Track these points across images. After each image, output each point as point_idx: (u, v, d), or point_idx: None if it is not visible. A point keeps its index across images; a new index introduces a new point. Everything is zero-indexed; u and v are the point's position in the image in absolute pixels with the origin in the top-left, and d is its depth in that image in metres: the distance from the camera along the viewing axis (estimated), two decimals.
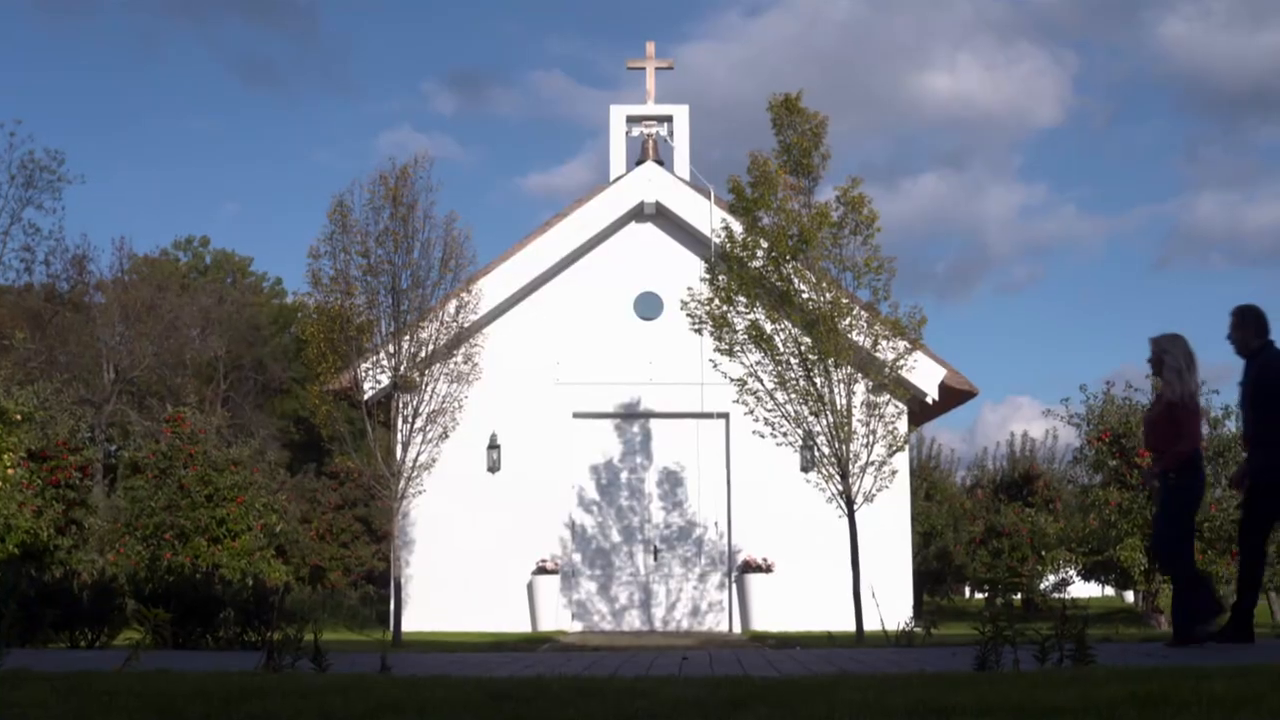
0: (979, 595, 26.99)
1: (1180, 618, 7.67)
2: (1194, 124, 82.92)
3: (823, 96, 74.23)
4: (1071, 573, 21.94)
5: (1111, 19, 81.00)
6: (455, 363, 14.82)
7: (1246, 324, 7.94)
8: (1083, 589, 26.98)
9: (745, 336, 14.10)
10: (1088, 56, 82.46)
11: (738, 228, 14.37)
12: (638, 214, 18.17)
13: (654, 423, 17.86)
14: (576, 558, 17.66)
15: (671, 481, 17.81)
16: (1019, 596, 22.64)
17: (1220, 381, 43.16)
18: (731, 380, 14.52)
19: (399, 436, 14.67)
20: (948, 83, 78.37)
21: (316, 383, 14.66)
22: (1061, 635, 5.49)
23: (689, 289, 15.22)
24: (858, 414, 14.00)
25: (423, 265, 14.61)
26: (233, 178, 73.39)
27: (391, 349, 14.59)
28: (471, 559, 17.01)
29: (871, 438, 14.02)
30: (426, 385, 14.59)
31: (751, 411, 14.33)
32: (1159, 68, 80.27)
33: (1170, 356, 7.78)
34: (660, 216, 18.17)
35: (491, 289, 17.12)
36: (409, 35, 79.85)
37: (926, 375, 16.78)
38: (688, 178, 18.42)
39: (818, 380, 13.79)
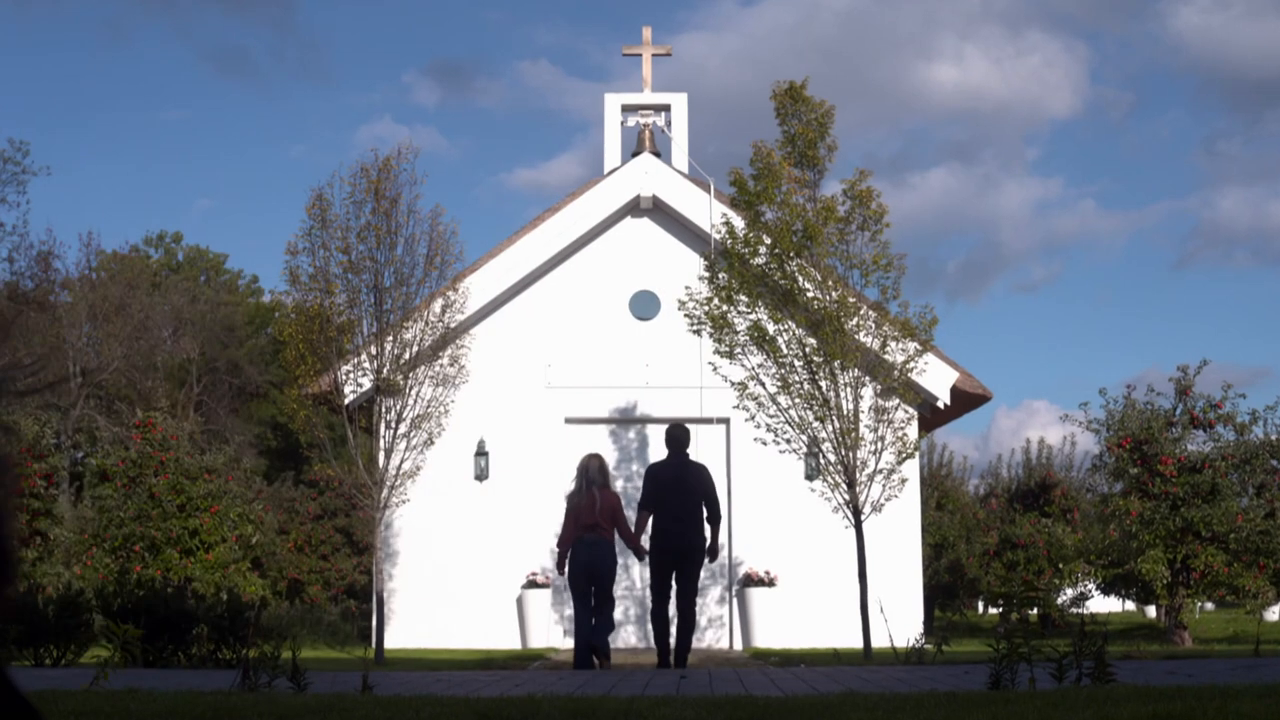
0: (993, 610, 26.97)
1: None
2: (1214, 117, 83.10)
3: (824, 88, 74.10)
4: (1090, 586, 21.93)
5: (1125, 8, 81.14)
6: (441, 365, 14.81)
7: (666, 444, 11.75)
8: (1102, 603, 26.99)
9: (746, 338, 14.10)
10: (1103, 47, 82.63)
11: (739, 223, 14.36)
12: (634, 208, 18.16)
13: (651, 428, 17.83)
14: None
15: None
16: (1035, 611, 22.63)
17: (1247, 385, 43.23)
18: (732, 384, 14.52)
19: (381, 443, 14.66)
20: (955, 74, 78.48)
21: (295, 386, 14.65)
22: (1080, 652, 5.49)
23: (687, 288, 15.22)
24: (865, 419, 14.00)
25: (406, 262, 14.60)
26: (206, 171, 73.43)
27: (374, 350, 14.59)
28: (458, 572, 17.00)
29: (880, 444, 14.02)
30: (411, 389, 14.58)
31: (753, 417, 14.33)
32: (1176, 58, 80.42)
33: (577, 473, 11.61)
34: (657, 211, 18.16)
35: (479, 287, 17.11)
36: (389, 24, 79.87)
37: (938, 378, 16.80)
38: (686, 170, 18.39)
39: (823, 384, 13.78)
